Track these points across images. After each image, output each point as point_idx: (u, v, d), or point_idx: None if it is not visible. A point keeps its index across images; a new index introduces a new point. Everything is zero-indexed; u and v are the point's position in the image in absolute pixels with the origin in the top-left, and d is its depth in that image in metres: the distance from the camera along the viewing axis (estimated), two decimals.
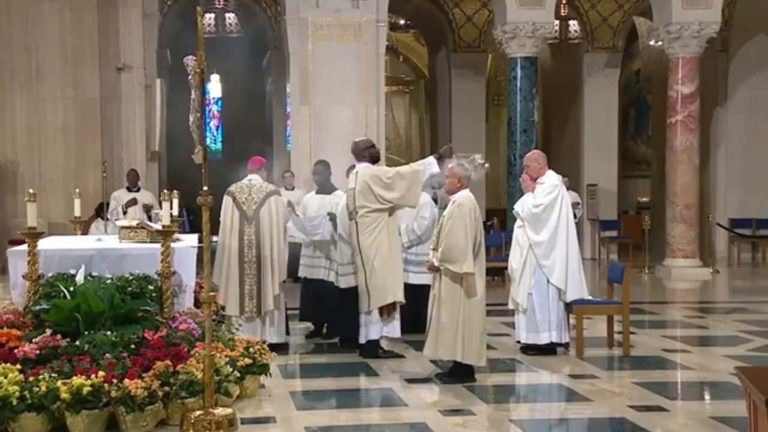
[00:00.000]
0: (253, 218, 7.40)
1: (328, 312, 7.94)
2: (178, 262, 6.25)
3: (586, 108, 17.18)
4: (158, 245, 6.11)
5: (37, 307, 5.74)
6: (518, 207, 7.52)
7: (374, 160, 7.45)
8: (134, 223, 7.00)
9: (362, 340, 7.28)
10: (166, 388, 5.22)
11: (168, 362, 5.35)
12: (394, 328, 7.31)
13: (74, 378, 5.04)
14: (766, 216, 16.17)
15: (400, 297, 7.21)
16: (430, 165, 7.19)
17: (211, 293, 5.51)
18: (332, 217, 7.81)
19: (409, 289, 7.54)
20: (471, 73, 17.91)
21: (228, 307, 7.34)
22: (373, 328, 7.22)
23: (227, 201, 7.53)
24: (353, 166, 7.56)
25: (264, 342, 6.45)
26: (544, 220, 7.33)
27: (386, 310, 7.21)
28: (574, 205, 13.33)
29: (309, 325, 8.45)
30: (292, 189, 12.14)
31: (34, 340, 5.44)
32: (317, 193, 8.34)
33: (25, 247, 5.99)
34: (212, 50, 14.91)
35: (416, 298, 7.58)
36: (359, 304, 7.24)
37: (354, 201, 7.20)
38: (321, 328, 8.31)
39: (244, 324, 7.30)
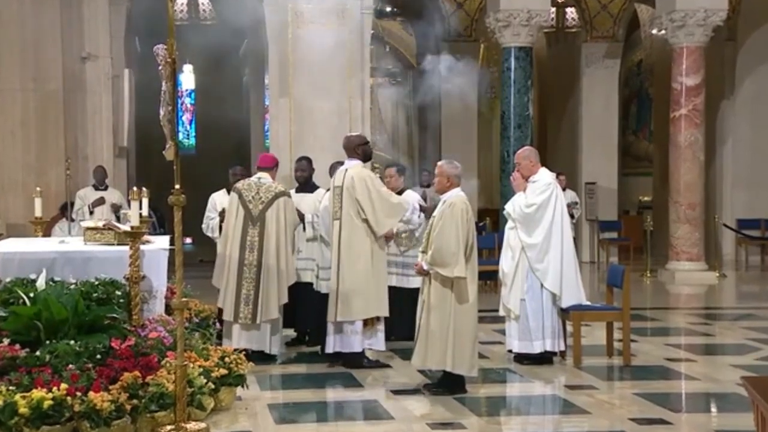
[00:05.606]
0: (258, 219, 7.39)
1: (311, 318, 7.94)
2: (147, 266, 6.24)
3: (584, 101, 17.24)
4: (126, 248, 6.10)
5: None
6: (509, 207, 7.53)
7: (366, 158, 7.44)
8: (100, 223, 6.97)
9: (330, 349, 7.22)
10: (135, 401, 5.21)
11: (137, 373, 5.34)
12: (378, 340, 7.32)
13: (34, 391, 5.02)
14: None
15: (384, 311, 7.21)
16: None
17: (183, 299, 5.50)
18: (301, 217, 7.84)
19: (403, 293, 7.65)
20: (461, 64, 17.92)
21: (224, 312, 7.36)
22: (356, 339, 7.19)
23: (233, 198, 7.56)
24: (340, 163, 7.56)
25: (244, 351, 6.46)
26: (536, 221, 7.35)
27: (369, 322, 7.21)
28: (572, 204, 13.45)
29: (290, 332, 8.45)
30: None
31: None
32: (297, 191, 8.33)
33: None
34: (185, 39, 14.88)
35: (405, 303, 7.63)
36: (329, 311, 7.19)
37: (341, 200, 7.17)
38: (303, 336, 8.32)
39: (241, 331, 7.30)
